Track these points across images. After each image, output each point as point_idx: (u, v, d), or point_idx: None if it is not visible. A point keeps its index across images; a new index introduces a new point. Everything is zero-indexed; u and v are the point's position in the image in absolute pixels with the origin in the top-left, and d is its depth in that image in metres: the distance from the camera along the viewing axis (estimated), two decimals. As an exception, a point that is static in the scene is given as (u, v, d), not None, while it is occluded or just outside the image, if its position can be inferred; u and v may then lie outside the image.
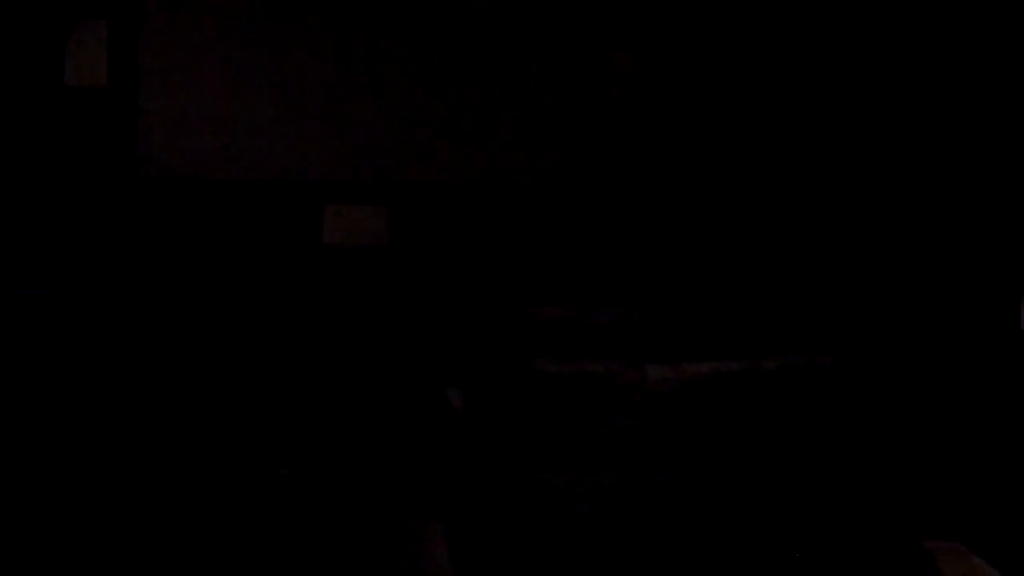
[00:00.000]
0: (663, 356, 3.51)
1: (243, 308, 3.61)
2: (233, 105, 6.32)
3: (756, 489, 1.93)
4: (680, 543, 1.89)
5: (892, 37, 5.68)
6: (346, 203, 6.39)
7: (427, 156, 6.37)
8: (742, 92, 6.35)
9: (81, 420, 2.22)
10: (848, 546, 1.99)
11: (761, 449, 1.91)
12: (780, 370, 1.99)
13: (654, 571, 1.87)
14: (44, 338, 3.58)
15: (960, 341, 5.14)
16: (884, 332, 5.60)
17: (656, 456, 1.85)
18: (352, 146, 6.35)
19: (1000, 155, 5.09)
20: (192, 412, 2.25)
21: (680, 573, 1.88)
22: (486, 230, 6.45)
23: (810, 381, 1.98)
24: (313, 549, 2.05)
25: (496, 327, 3.69)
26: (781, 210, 6.27)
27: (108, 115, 6.31)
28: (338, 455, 2.62)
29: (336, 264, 6.39)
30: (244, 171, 6.34)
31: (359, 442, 3.33)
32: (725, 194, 6.40)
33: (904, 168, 5.63)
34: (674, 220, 6.47)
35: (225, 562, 1.97)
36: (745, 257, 6.46)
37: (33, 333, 3.57)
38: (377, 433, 3.59)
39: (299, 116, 6.33)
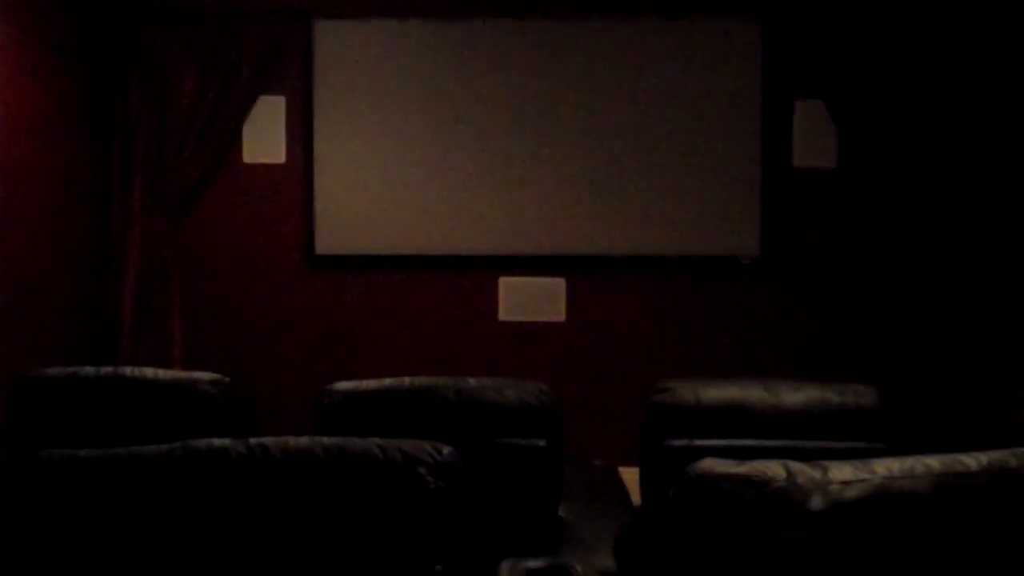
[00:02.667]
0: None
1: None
2: (405, 181, 6.31)
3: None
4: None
5: None
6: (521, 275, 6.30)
7: (606, 230, 6.24)
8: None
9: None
10: None
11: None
12: (986, 471, 1.72)
13: None
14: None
15: None
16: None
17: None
18: (529, 221, 6.27)
19: None
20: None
21: None
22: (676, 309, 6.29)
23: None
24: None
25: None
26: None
27: (284, 191, 6.38)
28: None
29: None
30: (416, 246, 6.33)
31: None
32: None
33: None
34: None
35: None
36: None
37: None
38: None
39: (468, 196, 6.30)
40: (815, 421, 3.35)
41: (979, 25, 5.93)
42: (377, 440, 1.87)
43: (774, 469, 1.71)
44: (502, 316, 6.33)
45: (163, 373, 3.83)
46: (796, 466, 1.71)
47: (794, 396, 3.39)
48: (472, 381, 3.59)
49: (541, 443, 3.47)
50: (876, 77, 6.06)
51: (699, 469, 1.74)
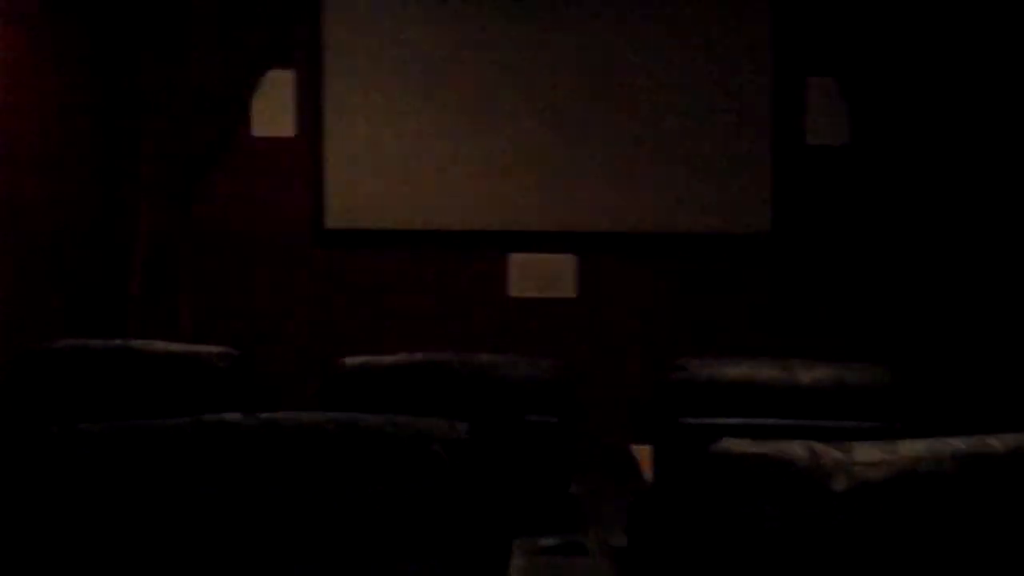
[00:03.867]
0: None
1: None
2: (415, 156, 6.27)
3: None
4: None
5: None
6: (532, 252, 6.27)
7: (617, 206, 6.21)
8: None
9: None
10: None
11: (992, 558, 1.61)
12: (1013, 453, 1.69)
13: None
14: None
15: None
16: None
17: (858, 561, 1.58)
18: (539, 197, 6.23)
19: None
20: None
21: None
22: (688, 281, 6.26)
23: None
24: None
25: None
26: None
27: (293, 165, 6.34)
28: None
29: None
30: (426, 222, 6.28)
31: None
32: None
33: None
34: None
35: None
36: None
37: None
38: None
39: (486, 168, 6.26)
40: (830, 400, 3.32)
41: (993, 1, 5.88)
42: (392, 416, 1.84)
43: (796, 449, 1.68)
44: (512, 292, 6.30)
45: (172, 346, 3.80)
46: (819, 447, 1.68)
47: (809, 375, 3.36)
48: (484, 357, 3.57)
49: (554, 420, 3.45)
50: (888, 54, 6.00)
51: (720, 448, 1.71)
